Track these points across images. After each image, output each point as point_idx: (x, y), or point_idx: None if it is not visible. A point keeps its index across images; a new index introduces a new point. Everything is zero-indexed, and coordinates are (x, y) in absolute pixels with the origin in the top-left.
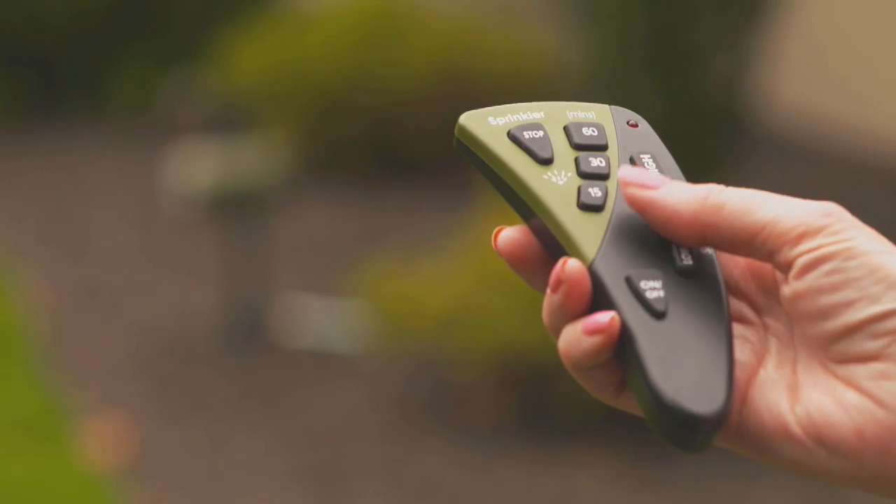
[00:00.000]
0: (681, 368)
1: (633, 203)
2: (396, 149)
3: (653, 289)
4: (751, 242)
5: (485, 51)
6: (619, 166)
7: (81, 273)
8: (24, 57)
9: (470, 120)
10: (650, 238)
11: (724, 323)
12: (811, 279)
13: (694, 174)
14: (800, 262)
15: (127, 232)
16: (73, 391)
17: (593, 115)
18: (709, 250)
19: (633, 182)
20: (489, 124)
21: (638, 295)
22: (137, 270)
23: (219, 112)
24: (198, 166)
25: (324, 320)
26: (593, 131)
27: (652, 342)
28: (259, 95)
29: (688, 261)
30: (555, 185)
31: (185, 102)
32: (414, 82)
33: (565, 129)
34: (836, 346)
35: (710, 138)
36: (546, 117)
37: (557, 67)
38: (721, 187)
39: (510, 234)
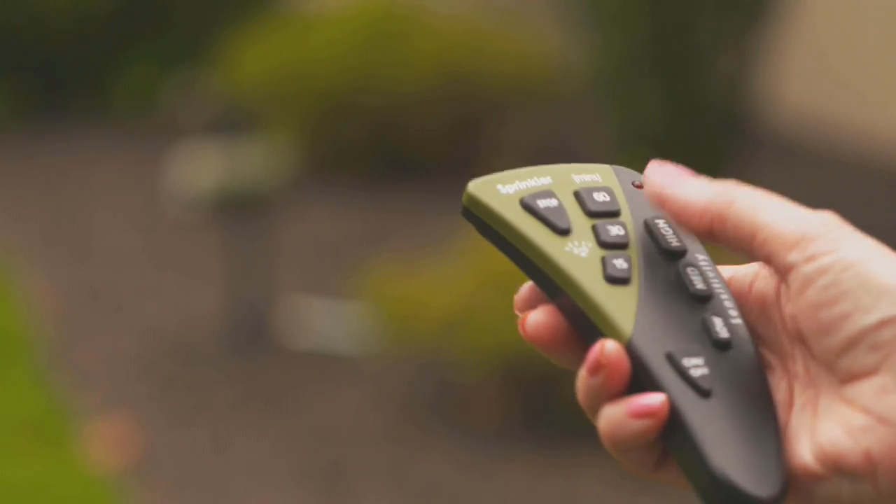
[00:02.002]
0: (736, 450)
1: (653, 198)
2: (400, 150)
3: (696, 366)
4: (751, 242)
5: (488, 52)
6: (635, 234)
7: (85, 275)
8: (28, 59)
9: (479, 189)
10: (681, 310)
11: (767, 397)
12: (811, 294)
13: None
14: (797, 275)
15: (130, 233)
16: (76, 393)
17: (599, 178)
18: (739, 320)
19: (655, 181)
20: (500, 193)
21: (682, 373)
22: (141, 272)
23: (222, 113)
24: (201, 168)
25: (327, 322)
26: (605, 196)
27: (704, 423)
28: (262, 97)
29: (724, 333)
30: (578, 258)
31: (189, 104)
32: (417, 84)
33: (576, 194)
34: (841, 362)
35: (713, 140)
36: (554, 182)
37: (561, 69)
38: (736, 185)
39: (538, 319)
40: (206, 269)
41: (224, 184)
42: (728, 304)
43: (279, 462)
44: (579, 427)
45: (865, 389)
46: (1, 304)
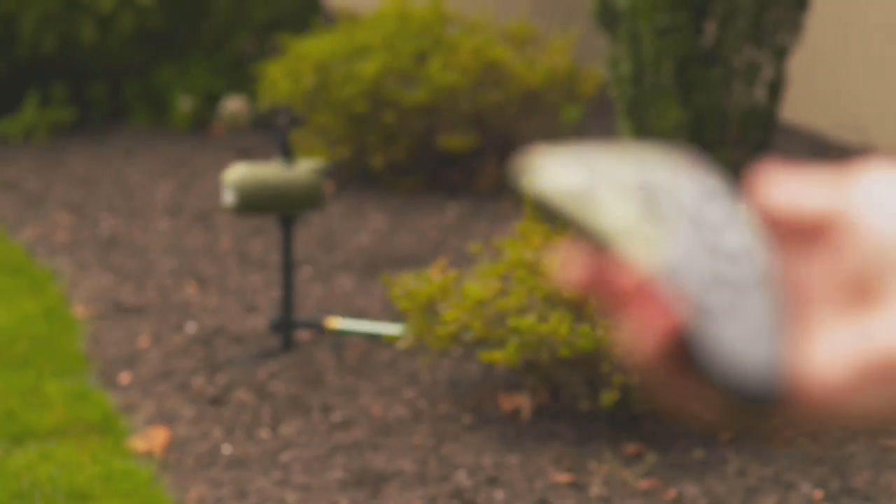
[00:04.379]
0: (744, 347)
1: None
2: (441, 164)
3: (708, 275)
4: None
5: (527, 63)
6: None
7: (136, 281)
8: (92, 68)
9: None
10: (700, 233)
11: (779, 306)
12: None
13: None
14: None
15: (187, 238)
16: (129, 391)
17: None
18: (755, 239)
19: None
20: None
21: (694, 284)
22: (193, 276)
23: (271, 125)
24: (251, 178)
25: (370, 324)
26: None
27: (715, 325)
28: (310, 109)
29: (733, 246)
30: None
31: (238, 116)
32: (461, 92)
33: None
34: None
35: (739, 143)
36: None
37: (596, 77)
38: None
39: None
40: (255, 275)
41: (274, 192)
42: (747, 228)
43: (327, 455)
44: (599, 418)
45: None
46: (57, 311)
